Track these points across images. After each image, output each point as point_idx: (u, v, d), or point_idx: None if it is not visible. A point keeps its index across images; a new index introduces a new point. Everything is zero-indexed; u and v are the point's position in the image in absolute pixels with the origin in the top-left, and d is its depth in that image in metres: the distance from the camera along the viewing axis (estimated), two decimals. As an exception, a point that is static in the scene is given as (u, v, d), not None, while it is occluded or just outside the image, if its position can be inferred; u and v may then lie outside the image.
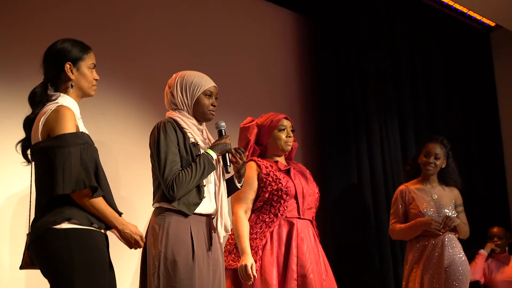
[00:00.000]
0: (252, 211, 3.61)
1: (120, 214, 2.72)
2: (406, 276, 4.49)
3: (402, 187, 4.67)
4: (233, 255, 3.53)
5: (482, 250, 5.53)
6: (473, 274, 5.28)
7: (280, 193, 3.54)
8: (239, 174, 3.22)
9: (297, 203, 3.59)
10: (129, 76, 4.18)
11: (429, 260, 4.38)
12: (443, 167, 4.56)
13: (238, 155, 3.15)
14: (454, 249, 4.38)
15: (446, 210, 4.46)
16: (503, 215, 6.29)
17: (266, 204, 3.57)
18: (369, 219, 5.23)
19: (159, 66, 4.24)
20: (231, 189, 3.25)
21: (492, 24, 6.58)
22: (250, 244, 3.46)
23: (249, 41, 5.06)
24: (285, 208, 3.55)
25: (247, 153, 3.66)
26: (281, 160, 3.76)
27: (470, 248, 5.32)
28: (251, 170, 3.61)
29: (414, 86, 6.03)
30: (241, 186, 3.27)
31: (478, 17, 6.44)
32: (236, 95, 4.75)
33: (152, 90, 4.15)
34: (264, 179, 3.58)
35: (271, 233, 3.51)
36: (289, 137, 3.73)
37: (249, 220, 3.56)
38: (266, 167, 3.62)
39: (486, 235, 5.67)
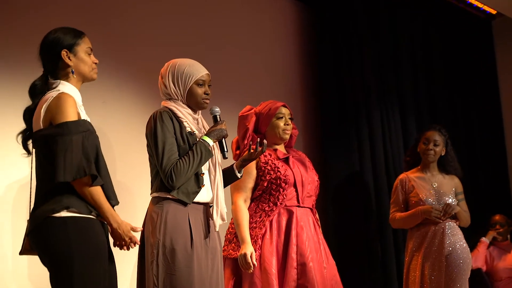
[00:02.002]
0: (252, 200, 3.60)
1: (117, 203, 2.71)
2: (407, 264, 4.50)
3: (402, 175, 4.67)
4: (233, 244, 3.52)
5: (484, 238, 5.51)
6: (475, 261, 5.29)
7: (278, 182, 3.52)
8: (245, 164, 3.22)
9: (296, 191, 3.57)
10: (130, 65, 4.19)
11: (429, 248, 4.38)
12: (442, 154, 4.56)
13: (260, 147, 3.14)
14: (455, 237, 4.38)
15: (446, 198, 4.46)
16: (505, 203, 6.29)
17: (265, 193, 3.56)
18: (371, 206, 5.25)
19: (160, 55, 4.22)
20: (231, 178, 3.24)
21: (494, 12, 6.57)
22: (250, 233, 3.45)
23: (250, 29, 5.06)
24: (284, 196, 3.53)
25: (245, 142, 3.64)
26: (280, 148, 3.74)
27: (472, 236, 5.33)
28: None
29: (415, 74, 6.03)
30: (241, 176, 3.26)
31: (480, 5, 6.42)
32: (237, 84, 4.75)
33: (152, 79, 4.14)
34: (263, 168, 3.57)
35: (271, 222, 3.50)
36: (287, 125, 3.69)
37: (248, 209, 3.55)
38: (265, 156, 3.60)
39: (488, 223, 5.67)
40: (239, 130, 3.74)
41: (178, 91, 3.06)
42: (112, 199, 2.69)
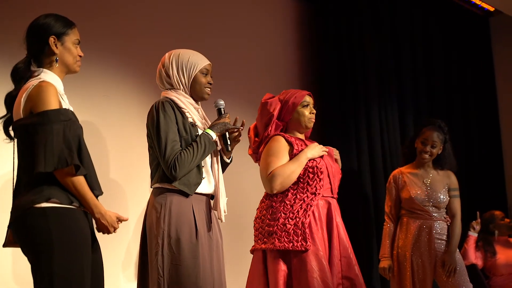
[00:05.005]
0: (288, 190, 3.45)
1: (101, 193, 2.70)
2: (396, 261, 4.51)
3: (396, 171, 4.66)
4: (260, 235, 3.44)
5: (470, 232, 5.19)
6: (466, 258, 5.03)
7: (315, 171, 3.43)
8: (230, 150, 3.18)
9: (330, 182, 3.52)
10: (133, 58, 4.17)
11: (417, 244, 4.42)
12: (439, 153, 4.52)
13: (236, 132, 3.12)
14: (441, 244, 4.41)
15: (439, 195, 4.45)
16: (500, 200, 6.34)
17: (302, 183, 3.44)
18: (368, 202, 5.26)
19: (161, 48, 4.18)
20: (222, 165, 3.19)
21: (492, 9, 6.60)
22: (295, 223, 3.34)
23: (250, 24, 5.05)
24: (322, 186, 3.44)
25: (269, 128, 3.55)
26: (302, 137, 3.65)
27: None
28: (280, 144, 3.49)
29: (414, 71, 6.06)
30: (230, 161, 3.22)
31: (478, 2, 6.45)
32: (237, 80, 4.74)
33: (155, 73, 4.14)
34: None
35: (313, 212, 3.40)
36: (312, 113, 3.61)
37: (286, 199, 3.42)
38: (296, 144, 3.51)
39: (486, 219, 5.39)
40: (261, 117, 3.61)
41: (183, 79, 3.05)
42: (96, 189, 2.67)
